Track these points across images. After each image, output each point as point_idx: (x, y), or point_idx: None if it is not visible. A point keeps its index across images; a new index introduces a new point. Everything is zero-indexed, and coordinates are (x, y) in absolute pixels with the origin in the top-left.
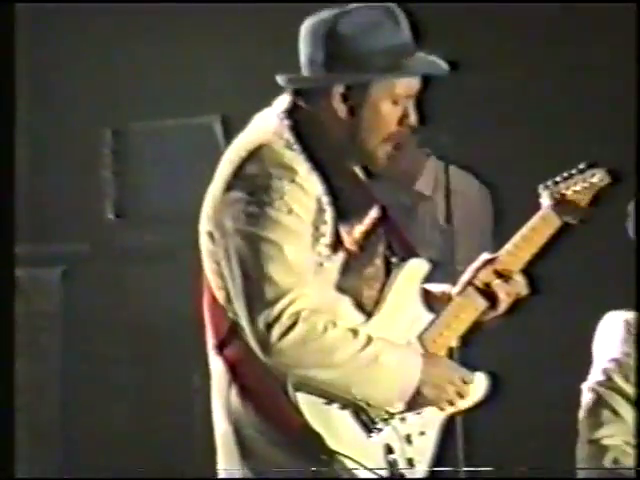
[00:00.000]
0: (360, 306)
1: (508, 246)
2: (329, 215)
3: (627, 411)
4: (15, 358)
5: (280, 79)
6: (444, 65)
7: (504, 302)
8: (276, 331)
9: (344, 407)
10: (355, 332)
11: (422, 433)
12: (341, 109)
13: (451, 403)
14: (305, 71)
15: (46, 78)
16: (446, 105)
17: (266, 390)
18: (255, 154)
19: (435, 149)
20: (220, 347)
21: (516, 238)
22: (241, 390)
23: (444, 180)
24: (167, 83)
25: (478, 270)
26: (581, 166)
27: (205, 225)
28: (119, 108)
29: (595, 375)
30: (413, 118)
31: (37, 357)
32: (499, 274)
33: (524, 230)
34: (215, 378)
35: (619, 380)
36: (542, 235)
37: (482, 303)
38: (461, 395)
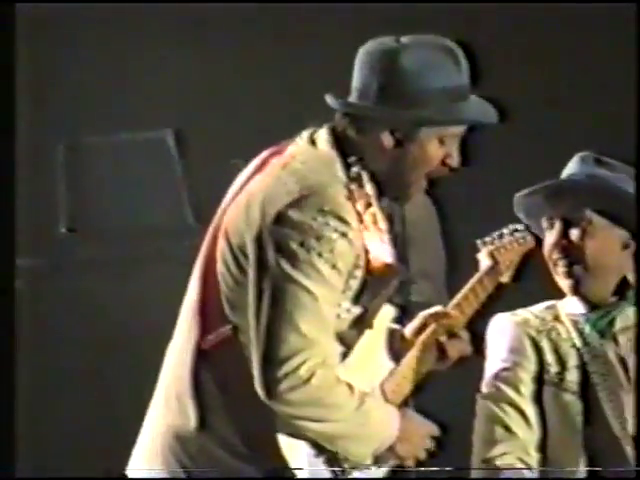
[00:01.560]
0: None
1: (455, 301)
2: (360, 271)
3: (520, 427)
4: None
5: (331, 101)
6: (495, 114)
7: (452, 358)
8: (289, 382)
9: (319, 453)
10: (351, 387)
11: None
12: (388, 140)
13: (417, 459)
14: (355, 97)
15: None
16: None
17: (242, 400)
18: (314, 194)
19: None
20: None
21: (462, 293)
22: (217, 390)
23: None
24: (120, 97)
25: (429, 319)
26: (512, 227)
27: (233, 235)
28: (72, 122)
29: (486, 386)
30: (456, 160)
31: None
32: (449, 329)
33: (468, 287)
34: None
35: (510, 392)
36: (484, 291)
37: (434, 356)
38: (428, 451)
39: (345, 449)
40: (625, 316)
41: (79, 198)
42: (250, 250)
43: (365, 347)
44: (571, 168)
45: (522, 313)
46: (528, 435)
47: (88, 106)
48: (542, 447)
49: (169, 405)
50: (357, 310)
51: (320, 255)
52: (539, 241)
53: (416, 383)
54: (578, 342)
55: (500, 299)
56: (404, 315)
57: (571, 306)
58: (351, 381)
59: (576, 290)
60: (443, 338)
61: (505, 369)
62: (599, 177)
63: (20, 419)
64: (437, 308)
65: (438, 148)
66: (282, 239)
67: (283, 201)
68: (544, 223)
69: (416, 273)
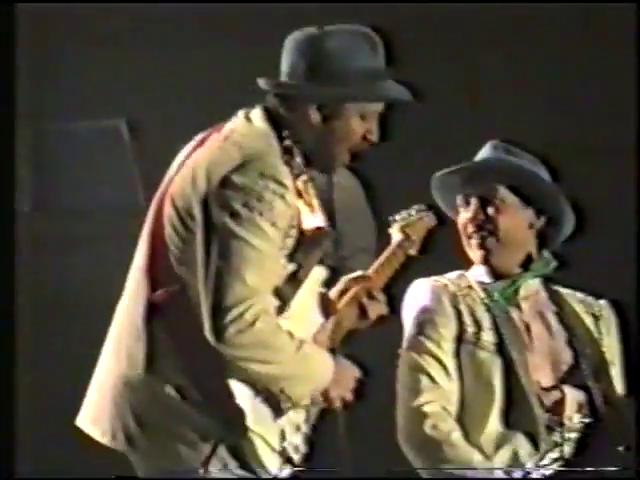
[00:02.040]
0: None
1: (372, 269)
2: (294, 231)
3: (442, 378)
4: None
5: (263, 83)
6: (409, 94)
7: (372, 317)
8: (236, 326)
9: (257, 393)
10: (291, 334)
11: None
12: (315, 117)
13: (344, 400)
14: (285, 78)
15: None
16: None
17: (191, 347)
18: (254, 160)
19: None
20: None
21: (377, 262)
22: (168, 339)
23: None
24: (84, 87)
25: (352, 282)
26: (417, 207)
27: (180, 200)
28: (39, 109)
29: (409, 342)
30: (376, 135)
31: None
32: (368, 292)
33: (382, 256)
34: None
35: (433, 347)
36: (397, 261)
37: (356, 315)
38: (355, 393)
39: (286, 389)
40: (528, 286)
41: (43, 181)
42: (197, 212)
43: (301, 304)
44: (484, 153)
45: (440, 279)
46: (449, 386)
47: (54, 95)
48: (461, 399)
49: (119, 356)
50: (292, 267)
51: (261, 214)
52: (441, 219)
53: (342, 337)
54: (490, 307)
55: (410, 269)
56: (335, 275)
57: (479, 275)
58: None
59: (487, 260)
60: (364, 299)
61: (428, 327)
62: (510, 160)
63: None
64: (358, 273)
65: (360, 124)
66: (227, 200)
67: (227, 167)
68: (459, 201)
69: (347, 237)
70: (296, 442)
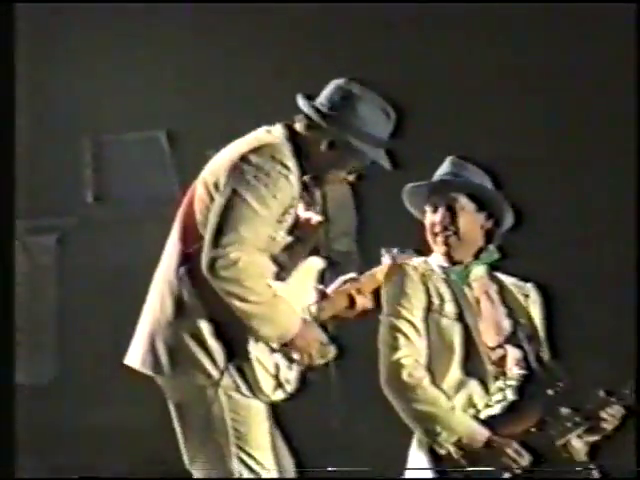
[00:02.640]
0: (279, 275)
1: (367, 274)
2: (294, 210)
3: (415, 337)
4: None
5: (301, 101)
6: (389, 165)
7: (358, 308)
8: (223, 262)
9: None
10: (269, 285)
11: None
12: (325, 145)
13: (310, 357)
14: (318, 105)
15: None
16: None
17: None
18: (268, 147)
19: None
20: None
21: (372, 271)
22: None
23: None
24: (132, 100)
25: (346, 281)
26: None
27: (209, 176)
28: (98, 120)
29: (389, 309)
30: (354, 176)
31: (37, 300)
32: (358, 289)
33: (371, 271)
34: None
35: (407, 314)
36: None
37: (345, 303)
38: (320, 354)
39: (255, 327)
40: (477, 271)
41: (101, 178)
42: (222, 178)
43: (296, 283)
44: (445, 168)
45: (411, 263)
46: (420, 343)
47: (108, 108)
48: (429, 354)
49: (155, 306)
50: (289, 238)
51: (266, 186)
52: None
53: (326, 317)
54: (450, 284)
55: None
56: (330, 265)
57: (440, 261)
58: (285, 297)
59: (448, 253)
60: (353, 291)
61: (403, 298)
62: (467, 177)
63: None
64: (352, 275)
65: (351, 162)
66: (242, 172)
67: (245, 148)
68: (428, 207)
69: (338, 231)
70: (289, 377)
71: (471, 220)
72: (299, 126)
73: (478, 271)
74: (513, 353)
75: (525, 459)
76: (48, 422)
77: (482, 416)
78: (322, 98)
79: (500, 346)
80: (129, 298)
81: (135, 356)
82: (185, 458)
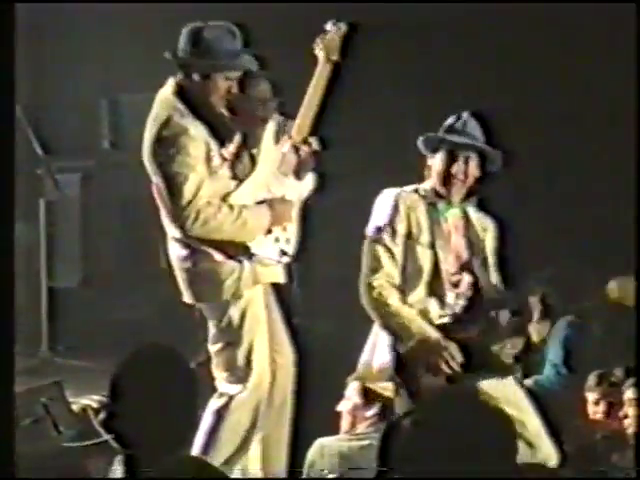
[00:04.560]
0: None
1: (305, 101)
2: (215, 146)
3: (389, 261)
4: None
5: (167, 54)
6: (255, 65)
7: (304, 156)
8: (200, 221)
9: None
10: (232, 207)
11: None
12: (199, 78)
13: (289, 218)
14: (181, 54)
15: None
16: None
17: None
18: (168, 123)
19: None
20: None
21: (304, 104)
22: None
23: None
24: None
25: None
26: (332, 23)
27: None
28: (112, 82)
29: (373, 234)
30: (235, 89)
31: (66, 222)
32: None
33: (311, 84)
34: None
35: (388, 240)
36: (324, 82)
37: (295, 156)
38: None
39: (241, 239)
40: (456, 209)
41: (114, 129)
42: (149, 164)
43: (264, 155)
44: (461, 124)
45: (403, 189)
46: (393, 268)
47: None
48: (402, 276)
49: None
50: (226, 165)
51: (179, 152)
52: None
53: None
54: (431, 217)
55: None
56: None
57: (427, 192)
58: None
59: (449, 193)
60: (302, 148)
61: (387, 225)
62: (475, 134)
63: None
64: (295, 122)
65: (224, 82)
66: (158, 153)
67: (155, 129)
68: (443, 154)
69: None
70: (288, 238)
71: (474, 172)
72: (181, 80)
73: (456, 209)
74: (468, 278)
75: (458, 360)
76: (76, 314)
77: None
78: (180, 49)
79: (458, 272)
80: (136, 223)
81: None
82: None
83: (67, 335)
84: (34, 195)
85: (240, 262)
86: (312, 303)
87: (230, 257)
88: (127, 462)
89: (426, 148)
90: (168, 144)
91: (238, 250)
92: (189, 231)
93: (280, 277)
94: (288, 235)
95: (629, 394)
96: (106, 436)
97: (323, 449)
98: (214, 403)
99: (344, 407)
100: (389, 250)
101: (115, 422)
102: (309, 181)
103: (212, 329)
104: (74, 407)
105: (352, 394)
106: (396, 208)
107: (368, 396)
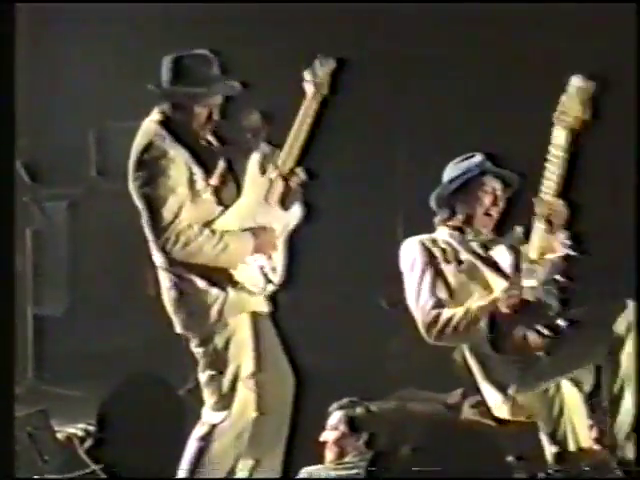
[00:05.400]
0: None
1: (293, 131)
2: (197, 171)
3: (442, 291)
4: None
5: (151, 87)
6: (234, 90)
7: (293, 187)
8: (180, 244)
9: None
10: (214, 231)
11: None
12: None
13: (274, 247)
14: (165, 85)
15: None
16: None
17: None
18: (149, 148)
19: None
20: None
21: (291, 135)
22: None
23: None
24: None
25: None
26: (321, 58)
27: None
28: (100, 111)
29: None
30: (216, 116)
31: (53, 251)
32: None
33: (300, 115)
34: None
35: (444, 264)
36: (310, 119)
37: (282, 186)
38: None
39: (227, 264)
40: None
41: (102, 157)
42: (133, 188)
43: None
44: (478, 159)
45: (421, 237)
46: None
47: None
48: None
49: None
50: (208, 190)
51: (160, 175)
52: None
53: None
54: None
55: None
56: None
57: (449, 236)
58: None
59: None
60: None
61: (428, 265)
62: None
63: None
64: (281, 156)
65: (203, 110)
66: (138, 178)
67: (137, 151)
68: (487, 191)
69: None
70: (272, 278)
71: (501, 200)
72: (165, 109)
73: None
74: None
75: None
76: (61, 344)
77: None
78: (162, 80)
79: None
80: (124, 251)
81: None
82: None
83: (53, 363)
84: (21, 223)
85: (224, 290)
86: (300, 332)
87: (213, 284)
88: None
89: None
90: (148, 167)
91: (221, 277)
92: (169, 253)
93: (264, 306)
94: (274, 264)
95: None
96: (93, 466)
97: (310, 478)
98: (198, 431)
99: (329, 437)
100: (435, 284)
101: (101, 451)
102: (296, 211)
103: (199, 357)
104: (59, 435)
105: (337, 424)
106: (425, 247)
107: (354, 425)
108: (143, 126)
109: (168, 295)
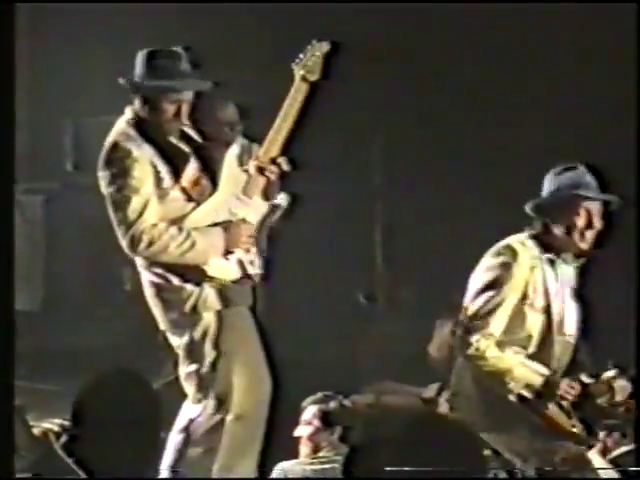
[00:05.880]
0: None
1: (277, 121)
2: (164, 169)
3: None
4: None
5: (122, 81)
6: (206, 86)
7: (272, 177)
8: (144, 243)
9: None
10: (180, 229)
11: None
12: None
13: (247, 242)
14: (136, 79)
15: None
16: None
17: None
18: (114, 148)
19: None
20: None
21: (282, 111)
22: None
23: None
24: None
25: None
26: (315, 42)
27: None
28: (78, 104)
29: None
30: (185, 114)
31: (29, 245)
32: (272, 161)
33: (286, 102)
34: None
35: (497, 302)
36: (297, 106)
37: (263, 181)
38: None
39: (197, 261)
40: (570, 268)
41: (78, 152)
42: (100, 182)
43: (226, 177)
44: (584, 177)
45: (521, 241)
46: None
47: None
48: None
49: None
50: (176, 188)
51: (124, 176)
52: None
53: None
54: (545, 279)
55: None
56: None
57: (541, 251)
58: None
59: (583, 252)
60: (269, 168)
61: (498, 286)
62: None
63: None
64: (263, 147)
65: (171, 106)
66: (105, 177)
67: (103, 156)
68: (582, 212)
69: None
70: (252, 260)
71: (596, 224)
72: (136, 108)
73: (572, 267)
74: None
75: (576, 390)
76: (36, 340)
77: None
78: (135, 74)
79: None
80: (100, 246)
81: None
82: None
83: (29, 358)
84: None
85: (198, 285)
86: (276, 326)
87: (186, 280)
88: None
89: (552, 202)
90: (113, 166)
91: (193, 273)
92: (135, 252)
93: (244, 300)
94: (251, 257)
95: None
96: (68, 460)
97: (285, 473)
98: (178, 423)
99: (304, 432)
100: (499, 310)
101: (77, 445)
102: (278, 203)
103: (178, 351)
104: (35, 431)
105: (312, 419)
106: (518, 265)
107: (328, 420)
108: (115, 125)
109: (147, 291)
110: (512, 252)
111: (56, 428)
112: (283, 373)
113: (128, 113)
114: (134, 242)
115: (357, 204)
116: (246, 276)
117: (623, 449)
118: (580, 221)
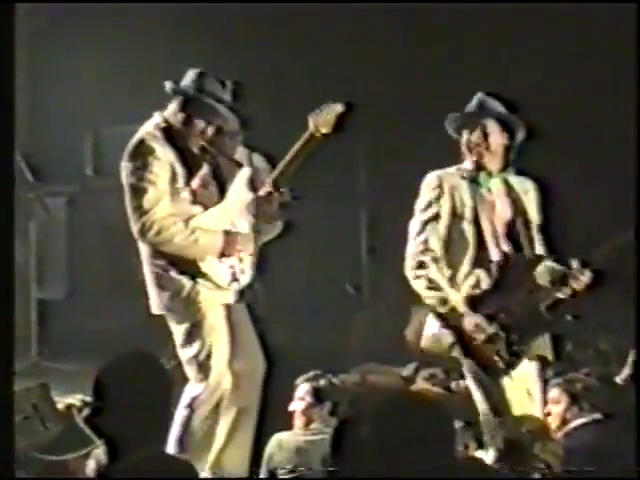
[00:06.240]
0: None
1: (287, 157)
2: (180, 171)
3: (436, 239)
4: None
5: (168, 85)
6: (237, 123)
7: (274, 206)
8: (153, 231)
9: None
10: (187, 225)
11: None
12: (179, 116)
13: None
14: (175, 92)
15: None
16: None
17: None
18: (140, 144)
19: None
20: None
21: (293, 149)
22: None
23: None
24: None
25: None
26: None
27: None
28: (98, 114)
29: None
30: (210, 133)
31: (53, 242)
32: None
33: (298, 143)
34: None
35: (433, 218)
36: (309, 148)
37: (267, 205)
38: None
39: (194, 255)
40: (496, 179)
41: (97, 158)
42: (124, 176)
43: (233, 194)
44: (474, 102)
45: (446, 171)
46: (439, 245)
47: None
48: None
49: None
50: (187, 189)
51: (145, 170)
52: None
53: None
54: (472, 192)
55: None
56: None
57: (468, 168)
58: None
59: (479, 164)
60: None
61: (433, 205)
62: (491, 106)
63: None
64: (275, 172)
65: (204, 125)
66: (128, 169)
67: (130, 149)
68: (465, 130)
69: None
70: (244, 269)
71: (496, 138)
72: (170, 113)
73: (497, 179)
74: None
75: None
76: (61, 325)
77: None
78: (184, 85)
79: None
80: (116, 242)
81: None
82: None
83: (54, 341)
84: (26, 217)
85: (192, 279)
86: (271, 313)
87: (182, 272)
88: (109, 454)
89: (452, 129)
90: (137, 159)
91: (191, 267)
92: (144, 237)
93: (230, 298)
94: (244, 266)
95: (553, 393)
96: (87, 431)
97: (281, 443)
98: (183, 401)
99: (297, 407)
100: (435, 228)
101: (97, 418)
102: (276, 227)
103: (177, 336)
104: (59, 406)
105: (304, 395)
106: (440, 188)
107: (319, 396)
108: (144, 125)
109: (149, 282)
110: (438, 180)
111: (78, 403)
112: (279, 355)
113: (157, 117)
114: (145, 228)
115: (344, 206)
116: (234, 281)
117: (580, 421)
118: (473, 136)
